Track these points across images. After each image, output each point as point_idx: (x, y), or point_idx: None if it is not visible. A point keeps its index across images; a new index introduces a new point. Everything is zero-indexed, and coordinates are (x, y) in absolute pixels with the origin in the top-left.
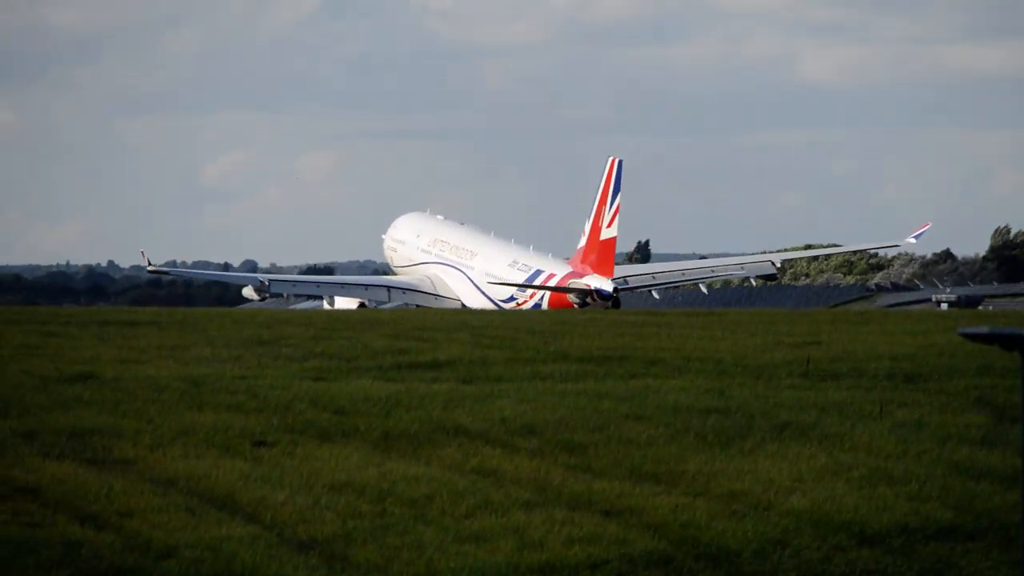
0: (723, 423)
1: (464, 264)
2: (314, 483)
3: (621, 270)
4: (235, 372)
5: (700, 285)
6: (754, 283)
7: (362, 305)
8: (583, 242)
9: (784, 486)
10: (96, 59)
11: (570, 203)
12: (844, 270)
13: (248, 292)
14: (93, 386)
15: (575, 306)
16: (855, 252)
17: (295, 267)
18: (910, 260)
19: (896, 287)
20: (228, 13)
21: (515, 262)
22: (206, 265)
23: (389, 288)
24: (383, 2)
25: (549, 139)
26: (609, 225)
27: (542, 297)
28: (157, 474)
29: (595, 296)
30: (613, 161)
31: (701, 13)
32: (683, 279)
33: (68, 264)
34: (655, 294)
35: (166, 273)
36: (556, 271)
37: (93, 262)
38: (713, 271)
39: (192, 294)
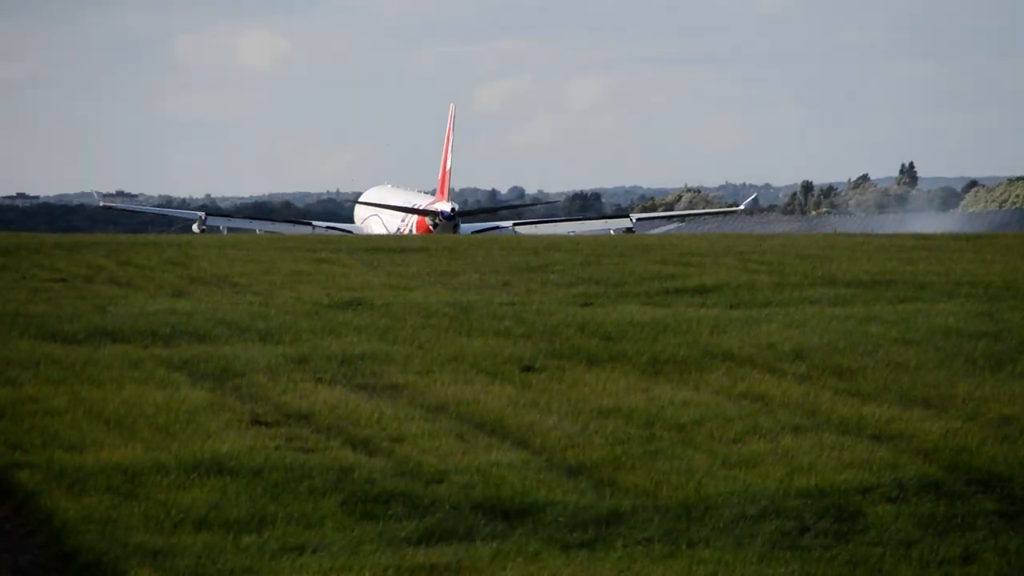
0: (994, 347)
1: (381, 212)
2: (582, 408)
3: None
4: (503, 298)
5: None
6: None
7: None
8: (439, 176)
9: None
10: None
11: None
12: None
13: (195, 228)
14: (363, 312)
15: (431, 228)
16: None
17: (561, 193)
18: None
19: None
20: None
21: (407, 202)
22: (474, 192)
23: (313, 226)
24: None
25: (823, 63)
26: (446, 160)
27: (412, 224)
28: (427, 399)
29: (440, 217)
30: (453, 107)
31: None
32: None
33: (338, 192)
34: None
35: (116, 208)
36: (423, 203)
37: (363, 190)
38: (574, 232)
39: None
